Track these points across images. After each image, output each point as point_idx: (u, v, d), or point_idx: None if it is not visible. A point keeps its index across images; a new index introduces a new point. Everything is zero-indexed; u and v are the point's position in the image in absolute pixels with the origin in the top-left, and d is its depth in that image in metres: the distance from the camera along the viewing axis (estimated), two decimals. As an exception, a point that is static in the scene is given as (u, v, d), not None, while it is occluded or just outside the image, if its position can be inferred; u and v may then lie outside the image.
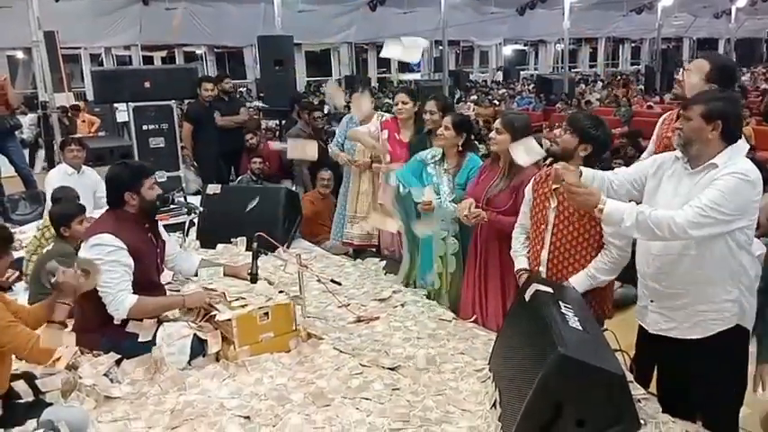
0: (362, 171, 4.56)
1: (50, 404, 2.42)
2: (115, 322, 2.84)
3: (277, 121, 8.05)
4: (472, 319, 3.29)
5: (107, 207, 3.06)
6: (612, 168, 2.71)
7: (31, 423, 2.23)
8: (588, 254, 2.70)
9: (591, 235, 2.65)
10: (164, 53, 18.80)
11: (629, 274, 2.67)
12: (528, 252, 2.92)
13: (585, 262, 2.70)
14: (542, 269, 2.81)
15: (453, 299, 3.55)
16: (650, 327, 2.43)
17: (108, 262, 2.78)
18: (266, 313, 2.90)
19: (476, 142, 4.45)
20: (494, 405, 2.43)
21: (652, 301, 2.41)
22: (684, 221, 2.09)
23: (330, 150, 4.94)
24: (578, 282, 2.67)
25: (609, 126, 2.89)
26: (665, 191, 2.32)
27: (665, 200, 2.29)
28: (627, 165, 3.32)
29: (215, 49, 19.42)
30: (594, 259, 2.67)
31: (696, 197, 2.13)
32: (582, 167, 2.47)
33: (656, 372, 2.63)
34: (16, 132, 7.01)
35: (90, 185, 4.97)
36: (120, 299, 2.80)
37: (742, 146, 2.22)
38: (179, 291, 3.23)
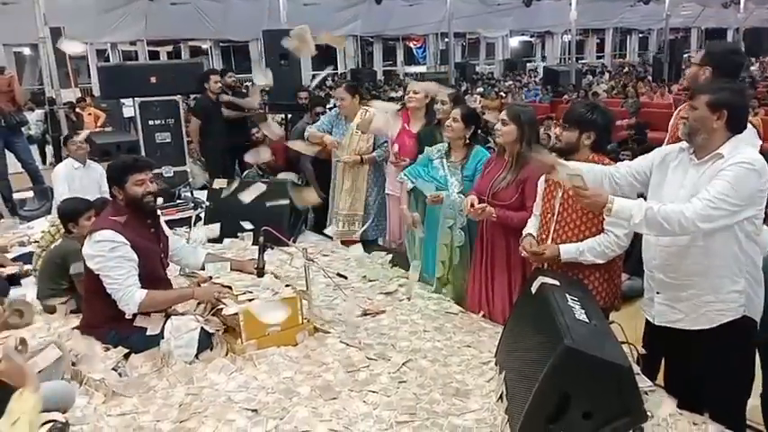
0: (350, 167, 4.56)
1: None
2: (127, 316, 2.85)
3: (283, 115, 8.03)
4: (480, 315, 3.29)
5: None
6: (621, 160, 2.69)
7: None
8: None
9: (594, 224, 2.64)
10: (169, 48, 18.83)
11: (636, 266, 2.66)
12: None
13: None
14: None
15: (458, 291, 3.55)
16: (656, 319, 2.42)
17: (113, 258, 2.80)
18: (273, 307, 2.91)
19: (483, 134, 4.44)
20: (500, 398, 2.43)
21: (658, 293, 2.39)
22: (694, 215, 2.07)
23: (307, 131, 4.73)
24: (566, 249, 2.65)
25: (613, 114, 2.85)
26: (671, 183, 2.31)
27: (670, 192, 2.27)
28: (635, 156, 3.30)
29: (220, 44, 19.43)
30: (591, 238, 2.65)
31: (704, 189, 2.11)
32: (575, 163, 2.45)
33: (663, 364, 2.63)
34: (23, 128, 7.04)
35: (95, 179, 4.99)
36: (130, 294, 2.82)
37: (748, 137, 2.21)
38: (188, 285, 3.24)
